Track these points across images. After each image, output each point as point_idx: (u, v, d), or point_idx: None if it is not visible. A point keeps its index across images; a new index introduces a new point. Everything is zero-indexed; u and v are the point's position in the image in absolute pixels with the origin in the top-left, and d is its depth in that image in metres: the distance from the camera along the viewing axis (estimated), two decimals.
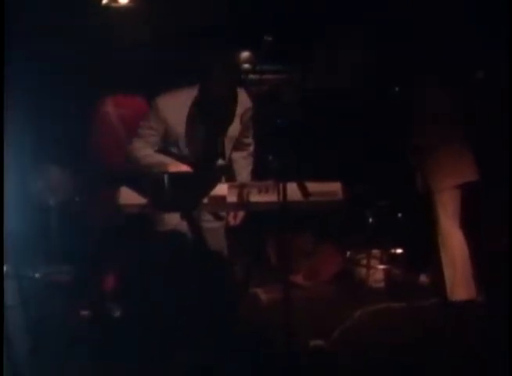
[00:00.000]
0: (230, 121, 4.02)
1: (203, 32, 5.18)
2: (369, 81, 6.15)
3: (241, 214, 4.08)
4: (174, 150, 4.00)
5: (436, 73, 5.38)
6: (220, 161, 4.06)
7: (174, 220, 3.86)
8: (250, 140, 4.28)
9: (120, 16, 6.24)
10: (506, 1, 5.18)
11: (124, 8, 6.30)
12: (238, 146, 4.20)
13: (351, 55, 6.06)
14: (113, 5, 6.29)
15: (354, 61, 6.04)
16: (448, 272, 5.02)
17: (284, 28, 5.96)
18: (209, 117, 3.95)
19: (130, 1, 6.34)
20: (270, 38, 4.68)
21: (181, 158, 3.97)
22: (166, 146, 4.02)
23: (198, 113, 3.94)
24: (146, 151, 4.00)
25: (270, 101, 4.85)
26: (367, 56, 6.10)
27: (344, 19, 6.07)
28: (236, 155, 4.26)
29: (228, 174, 3.93)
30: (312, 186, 3.55)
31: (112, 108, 5.17)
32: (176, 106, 3.95)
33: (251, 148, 4.33)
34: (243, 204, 3.68)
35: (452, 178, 5.01)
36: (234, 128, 4.06)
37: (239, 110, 4.03)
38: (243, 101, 4.03)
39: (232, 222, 4.08)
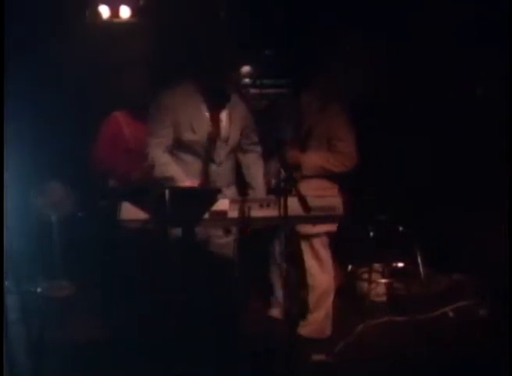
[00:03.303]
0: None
1: (203, 46, 5.17)
2: (369, 95, 6.16)
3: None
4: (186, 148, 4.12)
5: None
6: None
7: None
8: (255, 140, 4.36)
9: (122, 31, 6.27)
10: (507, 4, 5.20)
11: (126, 23, 6.33)
12: (243, 148, 4.32)
13: (351, 69, 6.05)
14: (115, 20, 6.33)
15: (354, 75, 6.04)
16: (316, 313, 4.87)
17: (284, 43, 5.99)
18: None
19: (131, 17, 6.37)
20: (270, 53, 4.71)
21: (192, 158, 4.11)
22: (179, 145, 4.13)
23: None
24: (164, 159, 4.11)
25: (270, 115, 4.85)
26: (368, 71, 6.11)
27: (346, 33, 6.08)
28: (246, 160, 4.34)
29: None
30: (313, 201, 3.55)
31: (124, 122, 5.19)
32: (181, 101, 4.09)
33: (259, 149, 4.39)
34: (244, 218, 3.68)
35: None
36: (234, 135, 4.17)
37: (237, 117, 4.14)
38: (241, 109, 4.14)
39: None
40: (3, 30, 3.93)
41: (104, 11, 6.34)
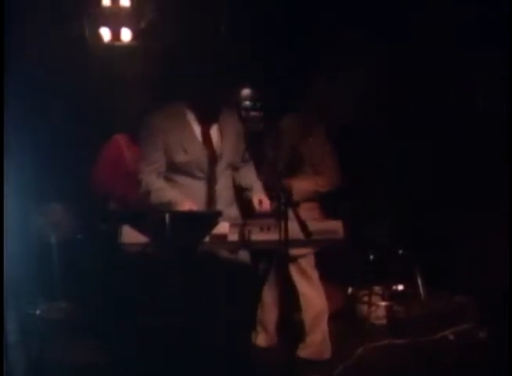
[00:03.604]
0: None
1: (204, 70, 5.20)
2: (369, 118, 6.18)
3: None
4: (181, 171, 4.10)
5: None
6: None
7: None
8: (246, 157, 4.38)
9: (123, 55, 6.29)
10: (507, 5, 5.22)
11: (127, 46, 6.36)
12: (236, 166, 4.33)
13: (352, 92, 6.07)
14: (116, 43, 6.35)
15: (354, 99, 6.06)
16: (313, 335, 4.86)
17: (285, 65, 6.02)
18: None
19: (132, 39, 6.40)
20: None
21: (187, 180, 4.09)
22: (172, 167, 4.10)
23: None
24: (158, 184, 4.07)
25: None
26: (368, 94, 6.13)
27: (347, 56, 6.11)
28: (239, 173, 4.34)
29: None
30: (313, 225, 3.56)
31: (125, 145, 5.22)
32: (170, 122, 4.07)
33: (251, 163, 4.41)
34: (244, 242, 3.69)
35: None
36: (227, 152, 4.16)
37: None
38: (232, 126, 4.17)
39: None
40: (3, 31, 3.95)
41: (105, 33, 6.37)
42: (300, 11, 6.10)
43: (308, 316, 4.82)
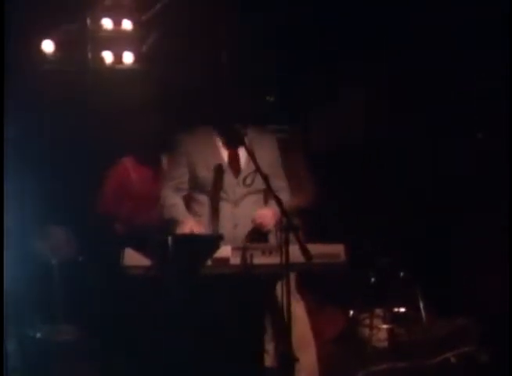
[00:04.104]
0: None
1: (205, 92, 5.23)
2: (370, 139, 6.20)
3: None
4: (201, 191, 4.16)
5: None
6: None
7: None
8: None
9: (126, 78, 6.32)
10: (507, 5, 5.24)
11: (129, 69, 6.39)
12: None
13: (352, 115, 6.10)
14: (118, 66, 6.38)
15: (355, 121, 6.09)
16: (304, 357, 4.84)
17: (286, 88, 6.04)
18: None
19: (134, 63, 6.43)
20: (272, 98, 4.74)
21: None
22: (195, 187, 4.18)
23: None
24: (173, 200, 4.18)
25: None
26: (369, 116, 6.16)
27: (347, 79, 6.14)
28: None
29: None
30: (315, 248, 3.57)
31: (132, 167, 5.25)
32: (198, 143, 4.20)
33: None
34: (246, 266, 3.69)
35: None
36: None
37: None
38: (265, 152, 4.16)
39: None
40: (3, 32, 3.97)
41: (107, 56, 6.40)
42: (300, 11, 6.14)
43: (294, 336, 4.81)
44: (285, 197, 4.19)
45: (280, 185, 4.25)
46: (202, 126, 4.28)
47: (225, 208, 4.14)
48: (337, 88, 6.25)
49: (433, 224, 5.98)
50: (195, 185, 4.19)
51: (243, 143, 4.02)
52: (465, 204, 5.82)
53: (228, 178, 4.14)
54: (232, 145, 4.16)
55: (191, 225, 4.00)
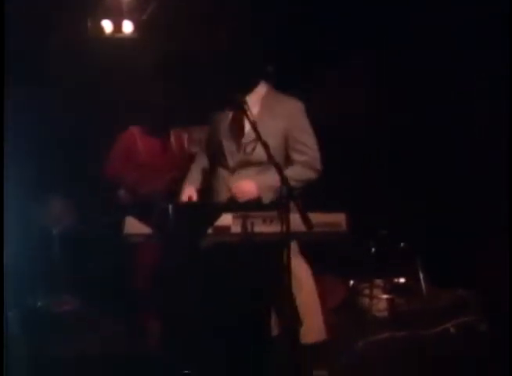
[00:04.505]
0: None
1: (206, 61, 5.21)
2: (370, 111, 6.18)
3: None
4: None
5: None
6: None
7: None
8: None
9: (125, 47, 6.29)
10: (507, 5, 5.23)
11: (129, 38, 6.36)
12: None
13: (354, 86, 6.08)
14: (117, 35, 6.35)
15: (356, 92, 6.06)
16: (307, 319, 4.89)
17: (287, 58, 6.01)
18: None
19: (134, 32, 6.40)
20: (272, 68, 4.71)
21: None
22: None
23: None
24: (191, 171, 4.34)
25: None
26: (370, 88, 6.14)
27: (348, 49, 6.12)
28: None
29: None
30: (316, 217, 3.55)
31: (139, 136, 5.27)
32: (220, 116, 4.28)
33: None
34: (247, 234, 3.69)
35: None
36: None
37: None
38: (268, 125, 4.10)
39: None
40: (3, 32, 3.95)
41: (107, 26, 6.37)
42: (299, 10, 6.12)
43: (300, 299, 4.83)
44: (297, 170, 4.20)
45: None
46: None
47: (222, 175, 4.16)
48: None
49: (434, 195, 5.98)
50: (214, 157, 4.30)
51: (242, 109, 3.99)
52: (466, 176, 5.81)
53: (229, 143, 4.16)
54: (237, 111, 4.13)
55: (190, 194, 4.02)
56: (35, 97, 5.98)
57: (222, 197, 4.11)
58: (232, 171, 4.16)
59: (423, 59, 5.96)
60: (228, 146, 4.18)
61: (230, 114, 4.22)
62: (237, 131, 4.16)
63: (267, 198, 4.05)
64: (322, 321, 4.81)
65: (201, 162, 4.40)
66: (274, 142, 3.98)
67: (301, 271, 4.77)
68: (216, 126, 4.29)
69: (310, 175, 4.16)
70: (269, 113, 4.09)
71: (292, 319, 3.84)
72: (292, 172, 4.03)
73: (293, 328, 3.63)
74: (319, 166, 4.21)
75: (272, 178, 3.88)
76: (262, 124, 3.85)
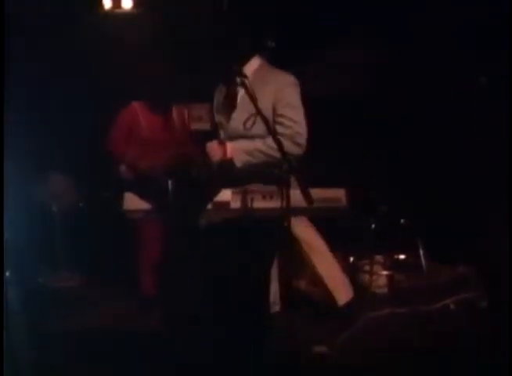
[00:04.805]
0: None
1: (206, 38, 5.18)
2: (370, 87, 6.17)
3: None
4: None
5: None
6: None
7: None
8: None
9: (124, 22, 6.26)
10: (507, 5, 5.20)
11: (128, 14, 6.32)
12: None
13: (353, 62, 6.06)
14: (117, 10, 6.32)
15: (356, 68, 6.04)
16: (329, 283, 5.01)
17: (287, 33, 5.98)
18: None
19: (133, 7, 6.36)
20: (273, 44, 4.67)
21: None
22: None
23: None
24: None
25: None
26: (369, 65, 6.12)
27: (349, 26, 6.09)
28: None
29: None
30: (316, 193, 3.54)
31: (141, 112, 5.27)
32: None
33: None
34: (246, 209, 3.67)
35: None
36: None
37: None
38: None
39: None
40: (3, 31, 3.92)
41: (106, 1, 6.33)
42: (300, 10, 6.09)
43: (320, 265, 4.93)
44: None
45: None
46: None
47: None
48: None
49: (434, 172, 5.97)
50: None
51: (241, 83, 3.96)
52: (468, 151, 5.81)
53: (222, 116, 4.17)
54: (232, 83, 4.10)
55: None
56: (34, 73, 5.96)
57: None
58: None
59: (423, 59, 5.95)
60: (220, 118, 4.18)
61: (224, 88, 4.22)
62: (229, 104, 4.13)
63: (240, 161, 4.03)
64: (346, 279, 5.00)
65: None
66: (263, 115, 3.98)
67: (313, 238, 4.84)
68: (215, 101, 4.30)
69: (292, 149, 4.08)
70: (260, 86, 4.03)
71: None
72: (272, 143, 3.94)
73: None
74: (301, 141, 4.10)
75: (247, 142, 3.98)
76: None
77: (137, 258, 5.14)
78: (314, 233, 4.92)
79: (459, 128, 5.88)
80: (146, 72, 5.23)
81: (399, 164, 6.03)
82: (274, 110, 4.08)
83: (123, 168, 5.24)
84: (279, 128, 4.05)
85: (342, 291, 5.01)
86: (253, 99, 3.68)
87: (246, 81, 3.76)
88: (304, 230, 4.79)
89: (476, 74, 5.83)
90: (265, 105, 3.98)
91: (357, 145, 6.12)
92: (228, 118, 4.14)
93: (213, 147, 4.10)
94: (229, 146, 4.05)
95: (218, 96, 4.29)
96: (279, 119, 4.08)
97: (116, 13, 6.30)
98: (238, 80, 3.88)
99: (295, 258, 4.78)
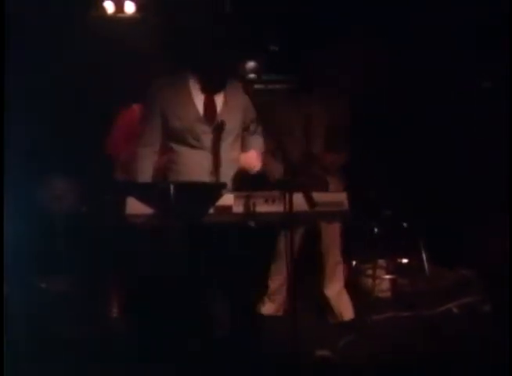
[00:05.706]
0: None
1: (207, 42, 5.18)
2: (371, 90, 6.17)
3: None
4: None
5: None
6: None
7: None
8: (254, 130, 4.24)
9: (127, 26, 6.27)
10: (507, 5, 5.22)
11: (131, 18, 6.34)
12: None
13: (354, 65, 6.06)
14: (120, 15, 6.34)
15: (357, 72, 6.05)
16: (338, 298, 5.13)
17: (289, 38, 5.99)
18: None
19: (136, 12, 6.38)
20: (276, 48, 4.67)
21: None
22: (170, 135, 4.03)
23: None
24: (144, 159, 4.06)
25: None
26: (371, 67, 6.12)
27: (349, 26, 6.10)
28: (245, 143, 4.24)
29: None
30: (318, 196, 3.55)
31: (141, 115, 5.25)
32: (169, 89, 3.99)
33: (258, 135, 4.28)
34: (249, 214, 3.67)
35: None
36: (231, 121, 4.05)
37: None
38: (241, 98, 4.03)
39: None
40: (3, 31, 3.93)
41: (109, 6, 6.35)
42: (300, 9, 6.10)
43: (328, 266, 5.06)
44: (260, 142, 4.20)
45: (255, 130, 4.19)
46: (177, 72, 4.07)
47: (201, 156, 4.01)
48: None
49: (435, 173, 5.98)
50: (169, 135, 4.02)
51: (221, 90, 3.96)
52: (466, 158, 5.82)
53: (202, 126, 3.98)
54: (210, 90, 4.05)
55: None
56: (36, 74, 5.97)
57: (203, 177, 4.01)
58: (210, 150, 4.01)
59: (423, 59, 5.96)
60: (201, 128, 3.98)
61: (194, 95, 4.00)
62: (211, 112, 3.99)
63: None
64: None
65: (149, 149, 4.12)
66: (238, 115, 4.05)
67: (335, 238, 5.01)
68: (168, 110, 4.01)
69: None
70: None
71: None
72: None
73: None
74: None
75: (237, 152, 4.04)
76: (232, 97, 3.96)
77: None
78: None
79: (459, 128, 5.88)
80: (146, 75, 5.22)
81: (399, 165, 6.03)
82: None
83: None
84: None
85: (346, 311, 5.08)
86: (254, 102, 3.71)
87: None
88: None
89: (476, 75, 5.83)
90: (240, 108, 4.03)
91: (357, 145, 6.11)
92: (209, 127, 4.03)
93: (251, 158, 4.08)
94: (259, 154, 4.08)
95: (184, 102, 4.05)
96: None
97: (118, 17, 6.32)
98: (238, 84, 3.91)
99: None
